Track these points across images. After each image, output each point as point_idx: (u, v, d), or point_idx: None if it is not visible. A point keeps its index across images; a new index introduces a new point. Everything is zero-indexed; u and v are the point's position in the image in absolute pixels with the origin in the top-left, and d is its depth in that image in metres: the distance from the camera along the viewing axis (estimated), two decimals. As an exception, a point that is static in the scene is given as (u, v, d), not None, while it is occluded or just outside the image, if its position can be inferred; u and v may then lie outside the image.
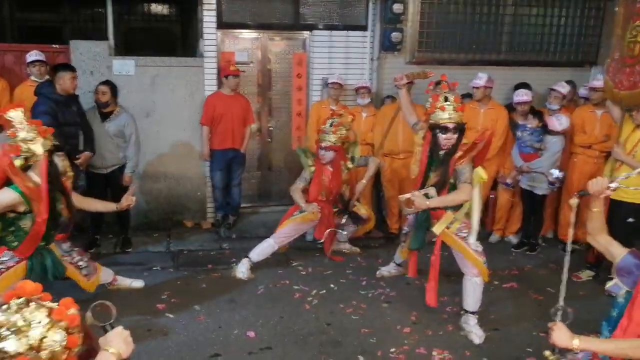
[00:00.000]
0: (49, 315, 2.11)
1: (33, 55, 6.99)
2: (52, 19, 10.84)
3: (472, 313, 5.38)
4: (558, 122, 6.92)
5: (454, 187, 5.26)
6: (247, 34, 8.09)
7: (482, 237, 7.74)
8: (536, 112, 7.13)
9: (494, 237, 7.91)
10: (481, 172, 5.22)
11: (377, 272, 6.57)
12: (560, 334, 2.99)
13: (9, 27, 10.25)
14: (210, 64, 7.76)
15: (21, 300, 2.11)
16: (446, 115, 5.13)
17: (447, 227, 5.32)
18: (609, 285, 3.22)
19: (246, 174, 8.13)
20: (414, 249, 5.72)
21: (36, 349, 2.05)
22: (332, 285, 6.30)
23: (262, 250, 6.59)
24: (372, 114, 7.71)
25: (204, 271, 6.58)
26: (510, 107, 7.65)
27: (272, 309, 5.69)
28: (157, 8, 11.30)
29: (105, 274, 5.79)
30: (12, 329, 2.04)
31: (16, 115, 4.65)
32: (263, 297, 6.00)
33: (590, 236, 3.48)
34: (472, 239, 5.32)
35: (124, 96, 7.24)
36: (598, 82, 7.06)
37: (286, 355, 4.86)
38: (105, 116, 6.81)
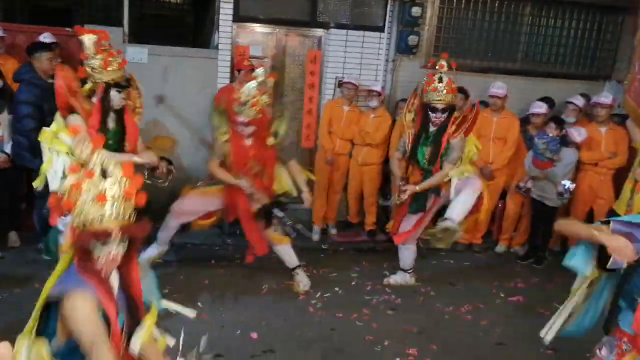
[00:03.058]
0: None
1: (47, 37, 6.78)
2: (63, 1, 10.77)
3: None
4: (577, 132, 6.86)
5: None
6: (262, 29, 7.99)
7: (489, 246, 7.78)
8: (559, 120, 7.05)
9: (500, 247, 7.84)
10: (475, 141, 6.02)
11: (385, 280, 6.48)
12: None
13: (19, 9, 10.18)
14: (225, 57, 7.66)
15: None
16: (437, 97, 5.54)
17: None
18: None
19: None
20: (412, 212, 5.95)
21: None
22: (336, 289, 6.23)
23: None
24: (379, 115, 7.60)
25: (207, 266, 6.51)
26: (526, 120, 7.58)
27: (275, 311, 5.62)
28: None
29: None
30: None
31: (88, 39, 4.84)
32: (266, 297, 5.94)
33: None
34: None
35: (135, 84, 7.18)
36: (605, 99, 7.01)
37: (289, 360, 4.82)
38: None
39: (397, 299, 6.10)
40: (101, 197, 2.39)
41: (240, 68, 7.29)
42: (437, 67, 5.64)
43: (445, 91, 5.53)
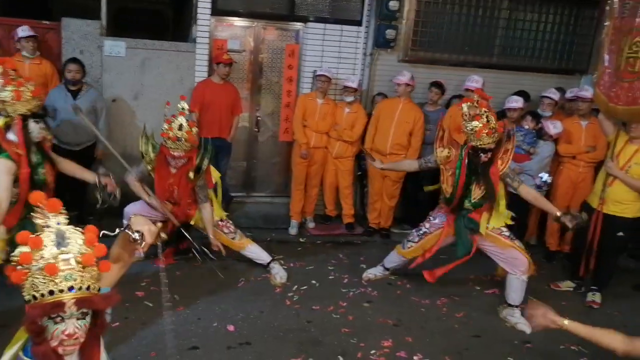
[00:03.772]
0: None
1: (25, 30, 6.78)
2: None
3: (517, 306, 5.69)
4: (553, 125, 6.91)
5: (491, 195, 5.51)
6: (240, 22, 7.97)
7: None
8: (535, 114, 7.12)
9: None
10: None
11: (364, 275, 6.48)
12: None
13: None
14: (202, 50, 7.63)
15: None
16: (490, 139, 5.32)
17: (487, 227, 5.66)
18: None
19: (231, 164, 8.03)
20: (461, 256, 5.78)
21: None
22: (313, 282, 6.26)
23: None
24: (355, 111, 7.62)
25: (185, 259, 6.48)
26: (502, 114, 7.62)
27: (252, 303, 5.63)
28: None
29: None
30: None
31: None
32: (244, 290, 5.95)
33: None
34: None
35: (113, 77, 7.20)
36: (586, 93, 7.04)
37: (265, 352, 4.82)
38: (74, 94, 6.73)
39: (374, 292, 6.14)
40: (51, 268, 2.06)
41: (218, 61, 7.28)
42: (474, 106, 5.37)
43: (496, 129, 5.34)
